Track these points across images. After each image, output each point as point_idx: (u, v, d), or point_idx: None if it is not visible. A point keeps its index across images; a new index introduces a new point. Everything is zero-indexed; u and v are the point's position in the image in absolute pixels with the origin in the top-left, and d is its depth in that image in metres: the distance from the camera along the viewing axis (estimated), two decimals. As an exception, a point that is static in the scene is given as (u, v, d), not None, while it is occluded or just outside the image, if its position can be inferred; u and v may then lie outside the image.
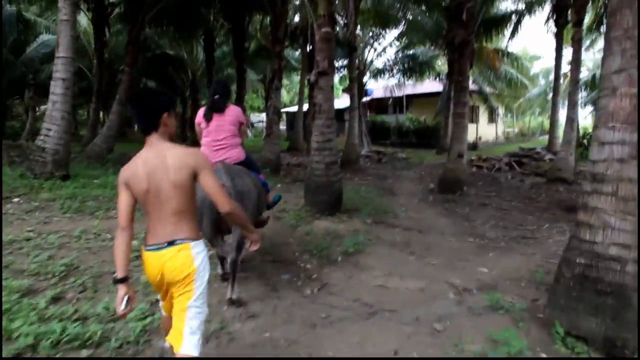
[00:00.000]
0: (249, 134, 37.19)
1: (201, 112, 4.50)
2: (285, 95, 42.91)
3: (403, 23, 21.60)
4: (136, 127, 25.09)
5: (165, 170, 2.21)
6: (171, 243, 2.23)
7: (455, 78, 12.16)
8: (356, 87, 16.32)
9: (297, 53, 29.00)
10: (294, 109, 28.01)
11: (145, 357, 3.26)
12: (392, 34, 34.23)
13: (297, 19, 19.36)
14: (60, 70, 8.95)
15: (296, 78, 31.55)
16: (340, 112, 31.04)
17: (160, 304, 2.53)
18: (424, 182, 13.17)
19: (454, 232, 7.84)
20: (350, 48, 15.93)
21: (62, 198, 7.77)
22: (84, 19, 19.93)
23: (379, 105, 30.57)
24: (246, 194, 3.91)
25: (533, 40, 49.77)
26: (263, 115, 40.57)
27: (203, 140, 4.43)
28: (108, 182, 9.08)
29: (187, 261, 2.23)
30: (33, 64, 20.18)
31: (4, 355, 3.01)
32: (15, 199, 7.65)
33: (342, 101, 35.28)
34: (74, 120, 29.17)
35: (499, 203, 10.44)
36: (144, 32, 13.98)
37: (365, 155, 18.72)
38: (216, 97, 4.37)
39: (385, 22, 21.15)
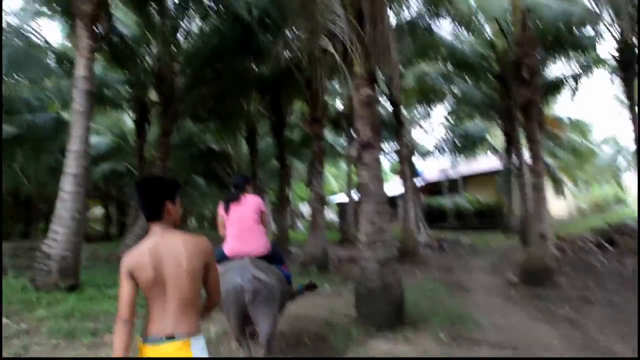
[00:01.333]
0: (299, 225, 35.68)
1: (221, 204, 4.47)
2: (334, 184, 41.69)
3: (450, 97, 20.35)
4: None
5: (178, 259, 2.12)
6: (170, 337, 2.08)
7: (529, 145, 10.14)
8: (407, 167, 14.52)
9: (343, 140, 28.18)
10: (344, 198, 26.40)
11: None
12: (439, 111, 32.69)
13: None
14: (71, 165, 7.72)
15: (344, 165, 30.37)
16: (391, 199, 29.28)
17: None
18: (499, 273, 10.75)
19: (566, 346, 5.49)
20: (397, 120, 14.29)
21: (57, 317, 6.14)
22: (128, 120, 19.72)
23: (432, 187, 28.55)
24: (271, 292, 3.81)
25: (583, 107, 47.28)
26: (313, 205, 39.30)
27: (227, 231, 4.32)
28: (121, 294, 7.45)
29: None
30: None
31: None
32: (4, 320, 6.10)
33: (392, 187, 33.67)
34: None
35: (606, 297, 7.93)
36: (177, 123, 13.17)
37: (424, 243, 16.49)
38: (233, 190, 4.46)
39: (431, 98, 19.88)
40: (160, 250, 2.14)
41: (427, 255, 14.38)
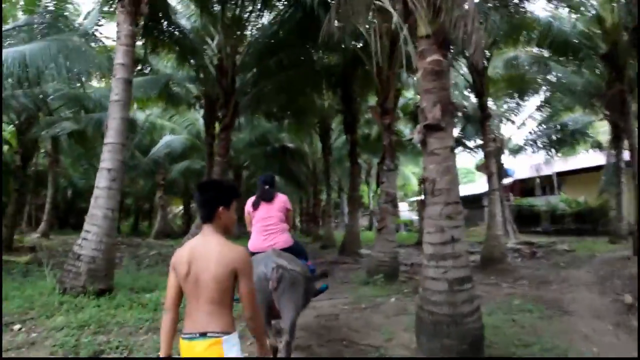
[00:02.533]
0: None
1: (250, 201, 4.56)
2: (415, 186, 39.52)
3: (545, 88, 17.86)
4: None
5: (208, 262, 2.17)
6: (203, 335, 2.13)
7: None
8: (494, 164, 12.53)
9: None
10: (422, 197, 24.60)
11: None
12: (532, 102, 29.45)
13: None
14: (106, 159, 6.99)
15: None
16: (477, 198, 26.76)
17: None
18: (609, 290, 8.60)
19: None
20: (483, 111, 12.36)
21: (70, 327, 5.32)
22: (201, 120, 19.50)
23: (523, 187, 25.77)
24: (294, 278, 3.80)
25: None
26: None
27: (253, 227, 4.46)
28: (158, 299, 6.59)
29: (217, 357, 2.12)
30: (162, 165, 20.03)
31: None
32: (17, 326, 5.41)
33: (478, 186, 31.03)
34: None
35: None
36: (238, 118, 12.36)
37: (513, 249, 14.34)
38: (266, 187, 4.50)
39: (523, 89, 17.55)
40: (199, 250, 2.21)
41: (516, 263, 12.31)
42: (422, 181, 4.91)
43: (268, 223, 4.36)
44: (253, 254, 4.07)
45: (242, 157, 23.57)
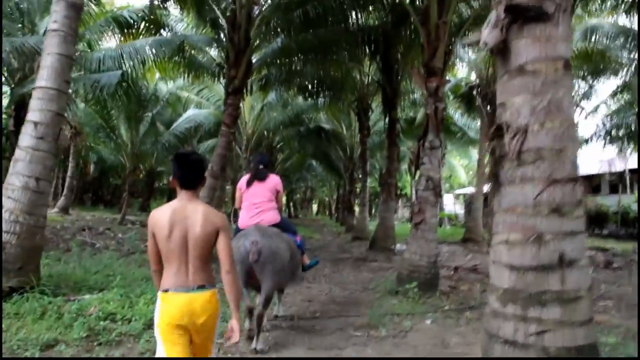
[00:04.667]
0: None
1: (244, 179, 4.58)
2: (464, 177, 36.15)
3: (626, 69, 14.59)
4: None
5: (194, 223, 2.25)
6: (201, 287, 2.24)
7: None
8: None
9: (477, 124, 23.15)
10: (471, 190, 21.55)
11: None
12: (608, 86, 25.50)
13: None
14: (34, 109, 4.80)
15: (475, 155, 24.85)
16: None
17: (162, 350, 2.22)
18: None
19: None
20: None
21: None
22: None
23: (589, 184, 22.27)
24: (274, 253, 3.90)
25: None
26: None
27: (242, 205, 4.49)
28: (88, 305, 4.52)
29: (216, 305, 2.27)
30: (189, 142, 18.17)
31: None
32: None
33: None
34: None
35: None
36: (249, 80, 10.09)
37: (582, 255, 11.42)
38: (261, 167, 4.51)
39: (600, 68, 14.41)
40: (181, 213, 2.27)
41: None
42: (494, 133, 1.99)
43: (257, 201, 4.38)
44: (240, 230, 4.29)
45: (276, 138, 21.44)
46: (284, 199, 5.18)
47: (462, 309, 5.92)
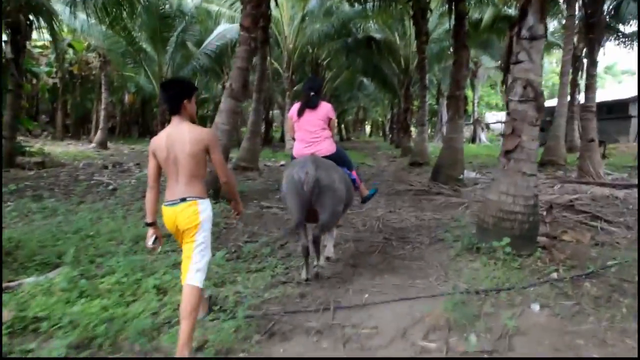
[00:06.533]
0: (483, 138, 28.33)
1: (295, 107, 4.33)
2: (554, 83, 31.77)
3: None
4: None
5: (183, 143, 2.49)
6: (183, 200, 2.53)
7: None
8: None
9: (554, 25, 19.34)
10: (552, 102, 18.35)
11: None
12: None
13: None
14: None
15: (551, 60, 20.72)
16: (620, 105, 19.91)
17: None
18: None
19: None
20: None
21: None
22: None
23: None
24: (327, 186, 3.66)
25: None
26: (501, 115, 31.04)
27: (296, 135, 4.30)
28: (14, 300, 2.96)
29: (194, 214, 2.53)
30: (218, 58, 16.07)
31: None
32: None
33: (613, 91, 23.64)
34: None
35: None
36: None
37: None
38: (312, 94, 4.25)
39: None
40: (173, 136, 2.52)
41: None
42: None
43: (312, 129, 4.18)
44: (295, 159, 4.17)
45: (321, 53, 18.95)
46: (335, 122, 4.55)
47: (577, 277, 3.91)
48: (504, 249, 4.29)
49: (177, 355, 2.37)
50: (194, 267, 2.56)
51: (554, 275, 4.01)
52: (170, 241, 4.58)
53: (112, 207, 6.19)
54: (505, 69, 5.11)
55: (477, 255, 4.49)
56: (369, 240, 5.13)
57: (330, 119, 4.34)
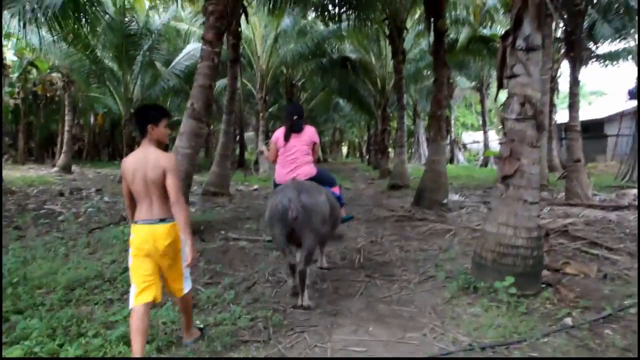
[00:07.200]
0: (461, 158, 28.15)
1: (280, 132, 4.34)
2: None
3: None
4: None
5: (146, 169, 2.56)
6: (163, 220, 2.60)
7: None
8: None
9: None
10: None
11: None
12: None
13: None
14: None
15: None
16: (596, 125, 19.96)
17: (135, 290, 2.58)
18: None
19: None
20: None
21: None
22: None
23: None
24: (311, 207, 3.58)
25: None
26: (478, 135, 31.05)
27: (278, 159, 4.34)
28: None
29: (177, 236, 2.62)
30: (188, 77, 15.37)
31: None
32: None
33: (595, 109, 23.81)
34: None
35: None
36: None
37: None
38: (295, 118, 4.27)
39: None
40: (139, 160, 2.59)
41: None
42: None
43: (293, 154, 4.21)
44: (278, 185, 4.18)
45: (296, 74, 18.46)
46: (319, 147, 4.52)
47: (595, 322, 3.31)
48: (508, 289, 3.66)
49: (185, 331, 2.84)
50: (185, 278, 2.76)
51: (568, 320, 3.38)
52: (112, 288, 3.79)
53: (54, 242, 5.33)
54: (498, 84, 4.57)
55: (476, 296, 3.85)
56: (349, 280, 4.43)
57: (314, 143, 4.38)
